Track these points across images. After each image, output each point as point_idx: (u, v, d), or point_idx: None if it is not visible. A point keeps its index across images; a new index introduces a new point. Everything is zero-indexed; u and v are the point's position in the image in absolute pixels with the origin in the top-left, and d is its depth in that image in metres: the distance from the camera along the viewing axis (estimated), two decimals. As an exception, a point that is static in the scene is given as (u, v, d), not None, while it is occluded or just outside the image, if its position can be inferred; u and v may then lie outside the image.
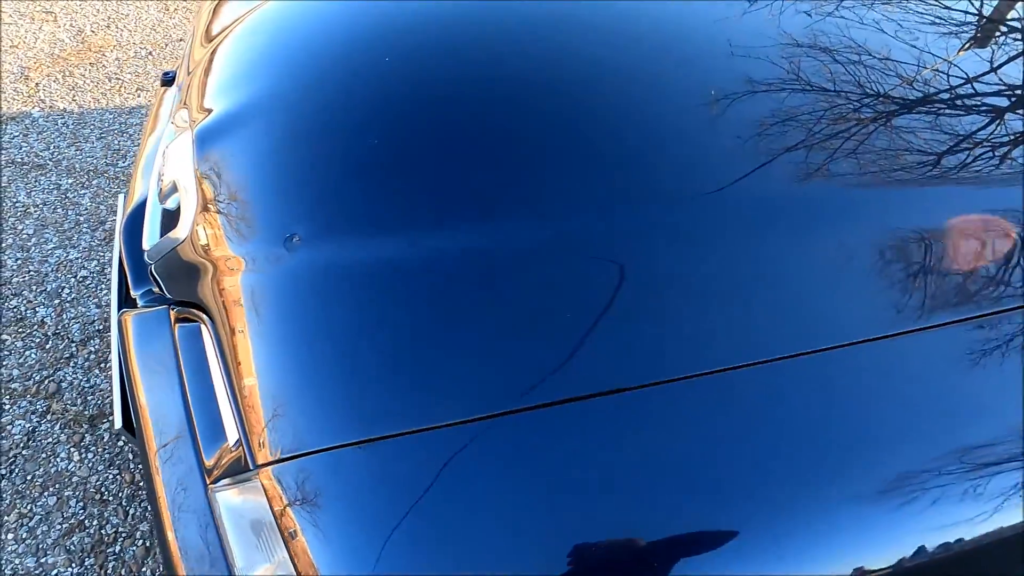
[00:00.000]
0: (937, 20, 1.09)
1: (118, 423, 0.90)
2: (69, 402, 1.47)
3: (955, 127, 0.90)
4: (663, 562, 0.59)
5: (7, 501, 1.30)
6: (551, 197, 0.79)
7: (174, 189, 0.95)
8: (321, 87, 0.93)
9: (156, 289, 1.01)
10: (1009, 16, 1.18)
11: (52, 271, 1.76)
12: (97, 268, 1.77)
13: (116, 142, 2.21)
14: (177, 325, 0.89)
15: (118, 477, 1.35)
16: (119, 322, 0.96)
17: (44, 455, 1.37)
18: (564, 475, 0.61)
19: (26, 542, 1.24)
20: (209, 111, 0.98)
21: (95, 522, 1.28)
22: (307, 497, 0.62)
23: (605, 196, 0.79)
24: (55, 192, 2.00)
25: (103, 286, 1.73)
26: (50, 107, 2.34)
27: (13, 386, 1.49)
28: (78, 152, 2.16)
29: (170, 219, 0.98)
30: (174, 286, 0.95)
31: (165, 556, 0.71)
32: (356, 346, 0.69)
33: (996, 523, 0.65)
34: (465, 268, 0.73)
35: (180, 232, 0.89)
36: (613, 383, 0.65)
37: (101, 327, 1.63)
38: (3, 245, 1.81)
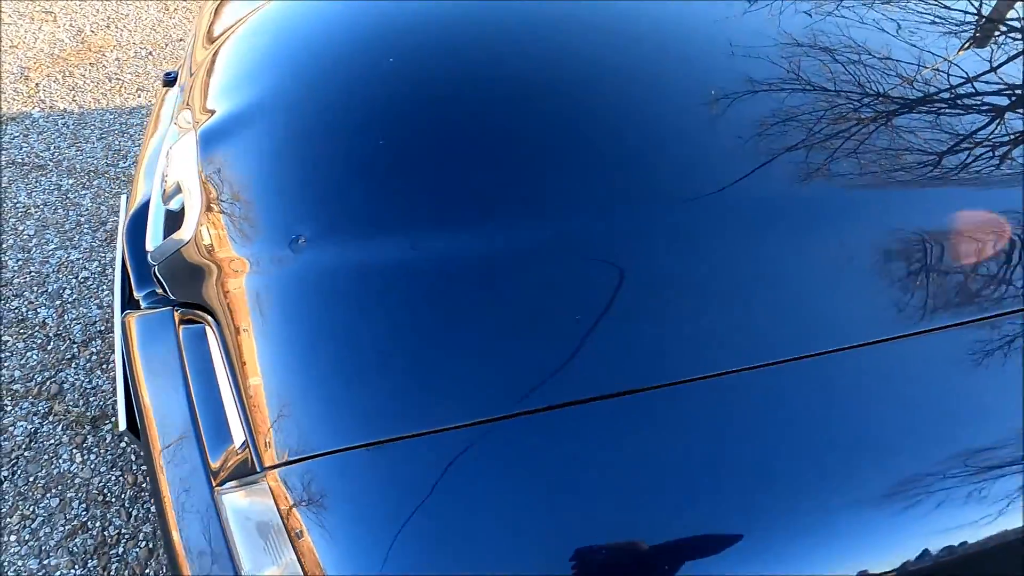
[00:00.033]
0: (938, 20, 1.09)
1: (122, 425, 0.90)
2: (71, 403, 1.47)
3: (957, 127, 0.90)
4: (666, 565, 0.59)
5: (9, 503, 1.29)
6: (559, 198, 0.79)
7: (178, 190, 0.95)
8: (325, 87, 0.93)
9: (159, 290, 1.00)
10: (1009, 16, 1.18)
11: (53, 272, 1.75)
12: (98, 269, 1.77)
13: (117, 142, 2.21)
14: (181, 326, 0.89)
15: (120, 478, 1.35)
16: (122, 323, 0.96)
17: (46, 456, 1.37)
18: (568, 477, 0.61)
19: (29, 544, 1.24)
20: (213, 112, 0.98)
21: (98, 524, 1.28)
22: (315, 499, 0.62)
23: (612, 197, 0.79)
24: (56, 193, 1.99)
25: (104, 287, 1.73)
26: (50, 107, 2.33)
27: (15, 387, 1.49)
28: (79, 153, 2.15)
29: (173, 220, 0.98)
30: (178, 287, 0.94)
31: (171, 558, 0.70)
32: (363, 348, 0.69)
33: (1001, 526, 0.64)
34: (472, 270, 0.73)
35: (184, 233, 0.89)
36: (617, 386, 0.65)
37: (103, 328, 1.63)
38: (4, 246, 1.81)
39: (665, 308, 0.71)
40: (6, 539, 1.24)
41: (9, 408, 1.45)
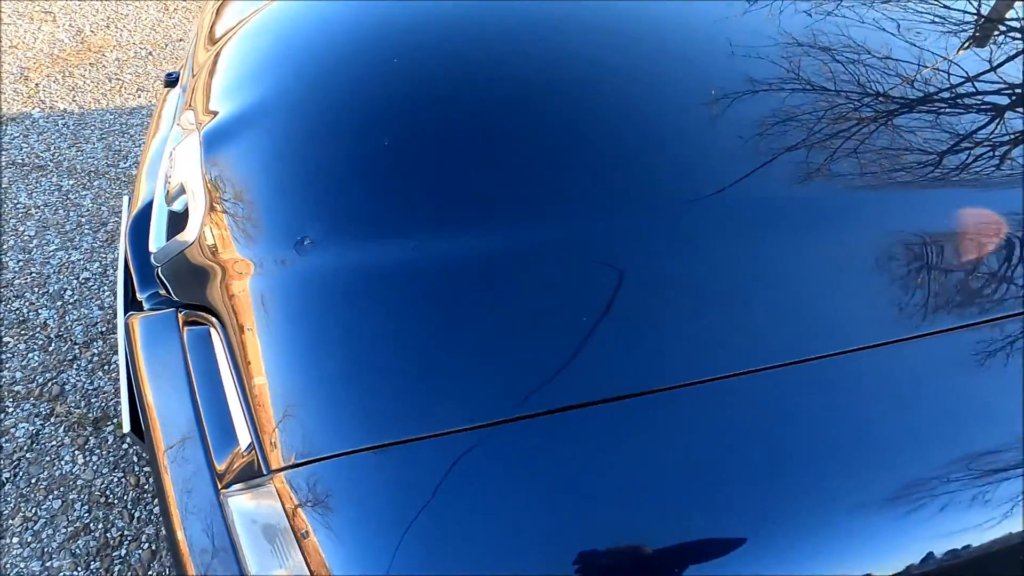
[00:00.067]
0: (938, 19, 1.09)
1: (126, 427, 0.90)
2: (73, 404, 1.46)
3: (959, 126, 0.90)
4: (670, 569, 0.58)
5: (11, 505, 1.29)
6: (565, 200, 0.78)
7: (181, 191, 0.94)
8: (329, 88, 0.93)
9: (162, 292, 1.00)
10: (1008, 15, 1.17)
11: (54, 273, 1.75)
12: (99, 270, 1.77)
13: (117, 143, 2.20)
14: (185, 328, 0.89)
15: (123, 480, 1.34)
16: (126, 325, 0.96)
17: (48, 458, 1.37)
18: (573, 480, 0.61)
19: (31, 546, 1.24)
20: (216, 113, 0.97)
21: (100, 525, 1.27)
22: (322, 502, 0.61)
23: (618, 199, 0.79)
24: (56, 193, 1.99)
25: (105, 288, 1.72)
26: (50, 108, 2.33)
27: (16, 389, 1.48)
28: (79, 153, 2.15)
29: (177, 221, 0.98)
30: (181, 289, 0.94)
31: (177, 562, 0.70)
32: (369, 350, 0.69)
33: (1005, 529, 0.64)
34: (478, 272, 0.73)
35: (188, 235, 0.88)
36: (621, 389, 0.65)
37: (104, 329, 1.62)
38: (5, 247, 1.80)
39: (669, 311, 0.71)
40: (8, 541, 1.24)
41: (11, 410, 1.44)
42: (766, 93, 0.90)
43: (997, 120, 0.92)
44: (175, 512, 0.73)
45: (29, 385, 1.49)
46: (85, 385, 1.50)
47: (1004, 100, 0.96)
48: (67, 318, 1.64)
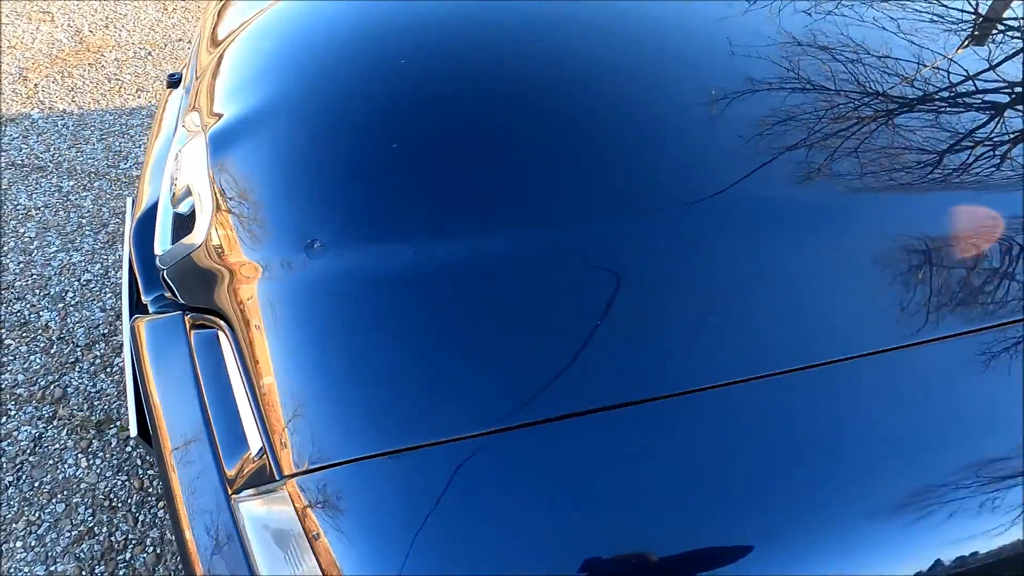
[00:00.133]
0: (941, 18, 1.08)
1: (134, 431, 0.89)
2: (75, 407, 1.46)
3: (963, 126, 0.89)
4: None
5: (15, 508, 1.28)
6: (578, 204, 0.78)
7: (188, 193, 0.94)
8: (336, 89, 0.92)
9: (168, 295, 0.99)
10: (1007, 14, 1.17)
11: (55, 274, 1.74)
12: (101, 271, 1.76)
13: (117, 143, 2.19)
14: (192, 331, 0.88)
15: (127, 483, 1.34)
16: (132, 328, 0.95)
17: (51, 461, 1.36)
18: (582, 487, 0.61)
19: (35, 550, 1.23)
20: (221, 114, 0.97)
21: (104, 529, 1.27)
22: (336, 508, 0.61)
23: (629, 202, 0.78)
24: (56, 195, 1.98)
25: (107, 290, 1.71)
26: (49, 108, 2.32)
27: (18, 391, 1.48)
28: (79, 154, 2.14)
29: (182, 224, 0.97)
30: (188, 292, 0.94)
31: (188, 571, 0.70)
32: (382, 355, 0.68)
33: (1013, 536, 0.64)
34: (490, 277, 0.72)
35: (195, 237, 0.88)
36: (630, 396, 0.65)
37: (106, 331, 1.62)
38: (5, 249, 1.79)
39: (677, 317, 0.70)
40: (12, 545, 1.23)
41: (13, 413, 1.44)
42: (766, 93, 0.89)
43: (1002, 120, 0.92)
44: (185, 519, 0.72)
45: (31, 388, 1.49)
46: (87, 388, 1.50)
47: (1010, 100, 0.96)
48: (69, 320, 1.63)
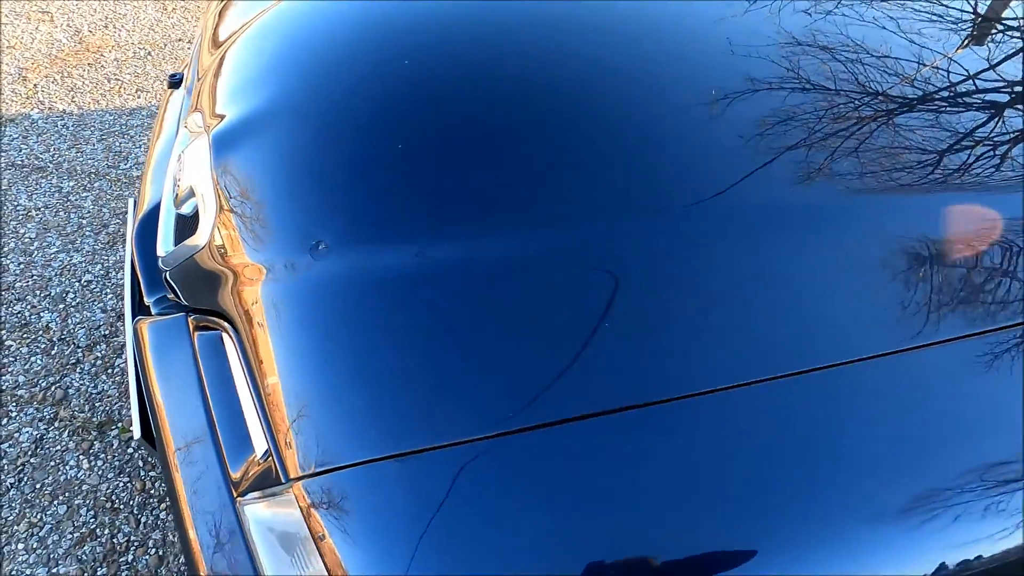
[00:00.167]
0: (941, 18, 1.08)
1: (137, 434, 0.89)
2: (77, 409, 1.45)
3: (965, 126, 0.89)
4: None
5: (16, 510, 1.28)
6: (585, 206, 0.78)
7: (191, 194, 0.93)
8: (340, 90, 0.92)
9: (171, 296, 0.99)
10: (1006, 14, 1.17)
11: (56, 275, 1.73)
12: (101, 272, 1.75)
13: (117, 144, 2.19)
14: (196, 333, 0.88)
15: (129, 485, 1.33)
16: (135, 330, 0.95)
17: (53, 463, 1.36)
18: (586, 490, 0.60)
19: (37, 552, 1.23)
20: (224, 115, 0.96)
21: (106, 531, 1.26)
22: (344, 511, 0.61)
23: (637, 205, 0.78)
24: (56, 195, 1.97)
25: (108, 290, 1.71)
26: (49, 108, 2.31)
27: (19, 393, 1.47)
28: (79, 154, 2.13)
29: (185, 225, 0.97)
30: (191, 293, 0.93)
31: (192, 573, 0.69)
32: (389, 357, 0.68)
33: (1018, 539, 0.64)
34: (497, 281, 0.72)
35: (199, 239, 0.87)
36: (637, 398, 0.64)
37: (107, 332, 1.61)
38: (5, 249, 1.79)
39: (682, 320, 0.70)
40: (13, 547, 1.23)
41: (14, 414, 1.43)
42: (766, 92, 0.89)
43: (1003, 120, 0.92)
44: (189, 521, 0.72)
45: (32, 389, 1.48)
46: (89, 389, 1.49)
47: (1009, 99, 0.96)
48: (69, 321, 1.63)
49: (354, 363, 0.69)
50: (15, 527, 1.26)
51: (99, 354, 1.56)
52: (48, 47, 2.61)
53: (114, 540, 1.25)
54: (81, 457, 1.37)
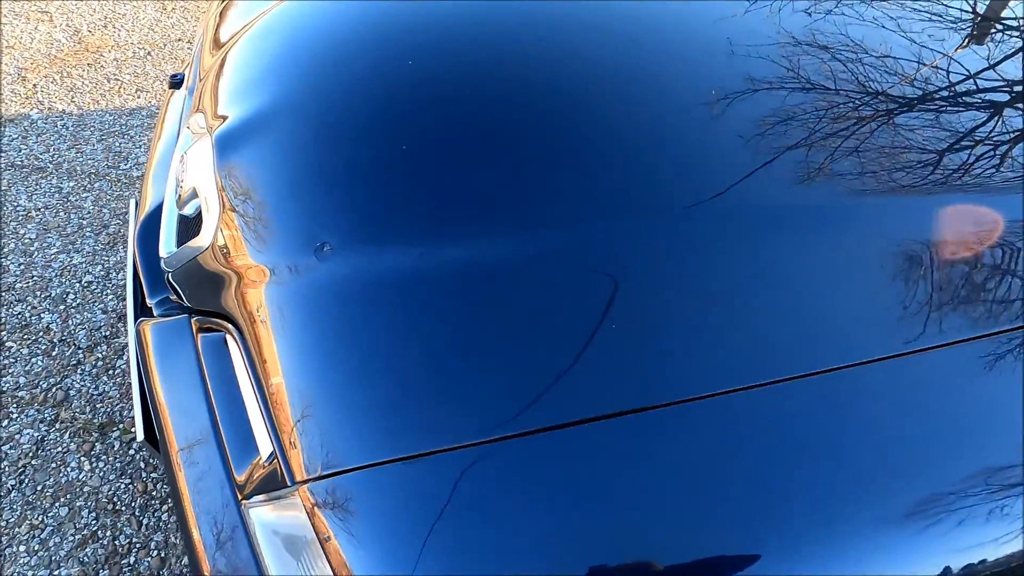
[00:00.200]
0: (940, 17, 1.08)
1: (140, 436, 0.88)
2: (78, 410, 1.45)
3: (971, 128, 0.89)
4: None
5: (17, 512, 1.28)
6: (596, 206, 0.77)
7: (193, 195, 0.93)
8: (343, 90, 0.91)
9: (173, 297, 0.99)
10: (1006, 14, 1.17)
11: (56, 276, 1.73)
12: (102, 273, 1.75)
13: (117, 144, 2.18)
14: (199, 335, 0.88)
15: (130, 486, 1.33)
16: (137, 331, 0.94)
17: (54, 465, 1.35)
18: (589, 495, 0.60)
19: (38, 554, 1.22)
20: (227, 116, 0.96)
21: (108, 533, 1.26)
22: (350, 513, 0.60)
23: (644, 208, 0.78)
24: (56, 196, 1.97)
25: (108, 291, 1.70)
26: (49, 108, 2.30)
27: (20, 394, 1.47)
28: (79, 155, 2.13)
29: (187, 226, 0.96)
30: (194, 295, 0.93)
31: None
32: (394, 360, 0.68)
33: (1021, 543, 0.63)
34: (504, 283, 0.72)
35: (202, 240, 0.87)
36: (642, 401, 0.64)
37: (108, 333, 1.61)
38: (5, 250, 1.78)
39: (688, 323, 0.70)
40: (15, 549, 1.22)
41: (15, 415, 1.43)
42: (767, 92, 0.89)
43: (1010, 121, 0.92)
44: (193, 525, 0.72)
45: (33, 390, 1.48)
46: (90, 390, 1.49)
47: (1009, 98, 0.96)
48: (70, 322, 1.62)
49: (360, 365, 0.68)
50: (16, 529, 1.25)
51: (100, 355, 1.56)
52: (47, 47, 2.60)
53: (116, 542, 1.25)
54: (82, 459, 1.37)
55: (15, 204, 1.93)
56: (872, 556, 0.59)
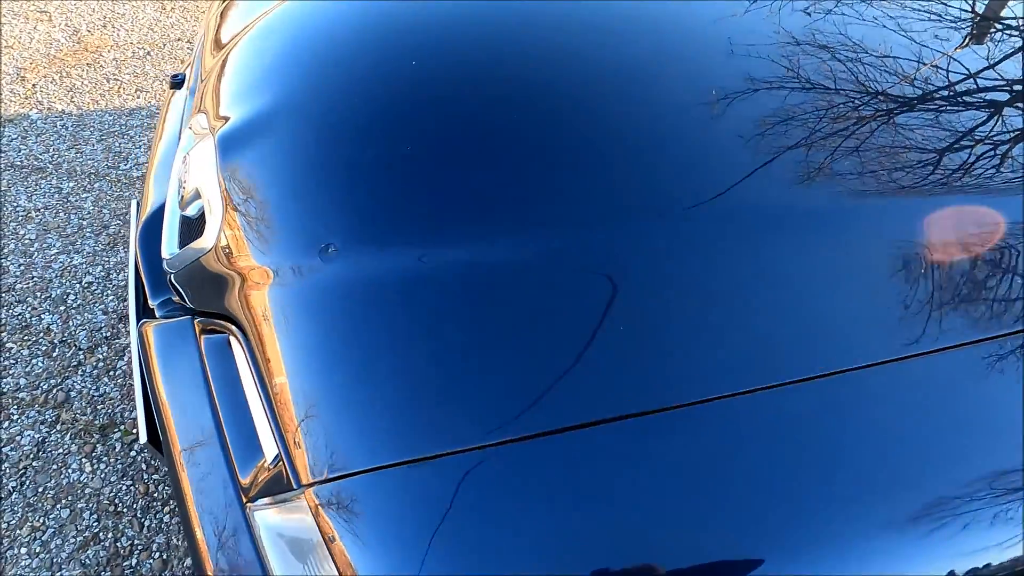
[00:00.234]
0: (944, 17, 1.08)
1: (143, 438, 0.88)
2: (79, 411, 1.44)
3: (971, 127, 0.89)
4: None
5: (19, 514, 1.27)
6: (598, 211, 0.77)
7: (196, 196, 0.93)
8: (349, 90, 0.91)
9: (176, 299, 0.98)
10: (1006, 13, 1.17)
11: (56, 277, 1.72)
12: (102, 273, 1.74)
13: (117, 144, 2.18)
14: (202, 336, 0.87)
15: (132, 488, 1.32)
16: (139, 333, 0.94)
17: (55, 466, 1.35)
18: (592, 498, 0.60)
19: (40, 556, 1.22)
20: (230, 116, 0.96)
21: (110, 535, 1.25)
22: (357, 516, 0.60)
23: (650, 210, 0.78)
24: (56, 196, 1.96)
25: (109, 292, 1.70)
26: (48, 109, 2.30)
27: (21, 395, 1.46)
28: (78, 155, 2.12)
29: (190, 227, 0.96)
30: (197, 296, 0.93)
31: (203, 578, 0.69)
32: (401, 363, 0.67)
33: None
34: (511, 285, 0.71)
35: (206, 242, 0.87)
36: (646, 405, 0.64)
37: (108, 334, 1.60)
38: (5, 251, 1.78)
39: (689, 327, 0.69)
40: (16, 552, 1.22)
41: (16, 417, 1.42)
42: (767, 92, 0.89)
43: (1010, 120, 0.91)
44: (198, 527, 0.72)
45: (34, 392, 1.47)
46: (91, 391, 1.48)
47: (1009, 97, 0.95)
48: (71, 323, 1.62)
49: (365, 367, 0.68)
50: (17, 531, 1.25)
51: (101, 356, 1.55)
52: (46, 47, 2.60)
53: (117, 544, 1.24)
54: (83, 460, 1.36)
55: (15, 205, 1.92)
56: (877, 560, 0.59)
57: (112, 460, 1.36)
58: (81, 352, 1.56)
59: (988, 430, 0.67)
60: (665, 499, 0.60)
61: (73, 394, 1.47)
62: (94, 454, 1.37)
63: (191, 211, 0.94)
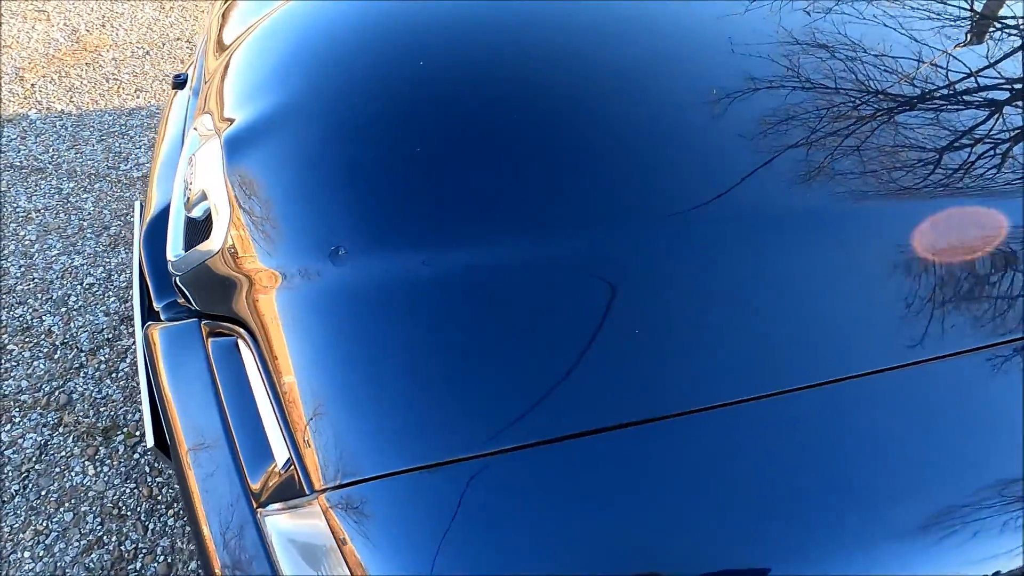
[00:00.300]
0: (943, 16, 1.07)
1: (150, 442, 0.87)
2: (81, 414, 1.43)
3: (982, 128, 0.88)
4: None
5: (22, 518, 1.26)
6: (621, 210, 0.77)
7: (202, 197, 0.92)
8: (356, 91, 0.90)
9: (181, 301, 0.98)
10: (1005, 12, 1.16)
11: (57, 278, 1.71)
12: (103, 275, 1.73)
13: (117, 144, 2.17)
14: (210, 339, 0.87)
15: (135, 491, 1.32)
16: (145, 336, 0.93)
17: (58, 469, 1.34)
18: (599, 506, 0.60)
19: (43, 560, 1.21)
20: (235, 117, 0.95)
21: (114, 538, 1.25)
22: (369, 521, 0.60)
23: (662, 211, 0.77)
24: (56, 196, 1.95)
25: (110, 293, 1.69)
26: (47, 109, 2.28)
27: (22, 398, 1.45)
28: (78, 155, 2.11)
29: (195, 228, 0.95)
30: (204, 299, 0.92)
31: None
32: (413, 368, 0.67)
33: None
34: (523, 290, 0.71)
35: (213, 244, 0.86)
36: (654, 412, 0.63)
37: (110, 336, 1.59)
38: (6, 252, 1.77)
39: (695, 335, 0.69)
40: (19, 556, 1.21)
41: (18, 420, 1.41)
42: (768, 91, 0.88)
43: (1010, 120, 0.91)
44: (207, 533, 0.71)
45: (35, 394, 1.46)
46: (93, 393, 1.47)
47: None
48: (72, 325, 1.61)
49: (377, 372, 0.67)
50: (21, 535, 1.24)
51: (102, 358, 1.54)
52: (45, 47, 2.58)
53: (122, 547, 1.24)
54: (86, 463, 1.35)
55: (15, 205, 1.91)
56: (886, 568, 0.59)
57: (115, 463, 1.36)
58: (83, 354, 1.55)
59: (997, 437, 0.66)
60: (672, 506, 0.59)
61: (75, 396, 1.47)
62: (97, 457, 1.36)
63: (197, 213, 0.93)
